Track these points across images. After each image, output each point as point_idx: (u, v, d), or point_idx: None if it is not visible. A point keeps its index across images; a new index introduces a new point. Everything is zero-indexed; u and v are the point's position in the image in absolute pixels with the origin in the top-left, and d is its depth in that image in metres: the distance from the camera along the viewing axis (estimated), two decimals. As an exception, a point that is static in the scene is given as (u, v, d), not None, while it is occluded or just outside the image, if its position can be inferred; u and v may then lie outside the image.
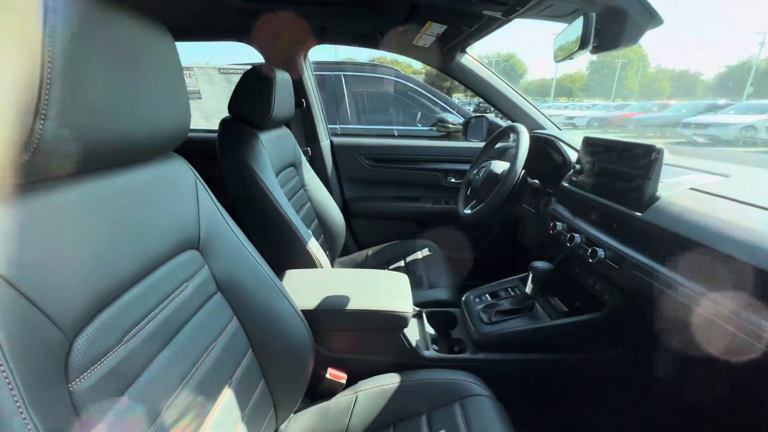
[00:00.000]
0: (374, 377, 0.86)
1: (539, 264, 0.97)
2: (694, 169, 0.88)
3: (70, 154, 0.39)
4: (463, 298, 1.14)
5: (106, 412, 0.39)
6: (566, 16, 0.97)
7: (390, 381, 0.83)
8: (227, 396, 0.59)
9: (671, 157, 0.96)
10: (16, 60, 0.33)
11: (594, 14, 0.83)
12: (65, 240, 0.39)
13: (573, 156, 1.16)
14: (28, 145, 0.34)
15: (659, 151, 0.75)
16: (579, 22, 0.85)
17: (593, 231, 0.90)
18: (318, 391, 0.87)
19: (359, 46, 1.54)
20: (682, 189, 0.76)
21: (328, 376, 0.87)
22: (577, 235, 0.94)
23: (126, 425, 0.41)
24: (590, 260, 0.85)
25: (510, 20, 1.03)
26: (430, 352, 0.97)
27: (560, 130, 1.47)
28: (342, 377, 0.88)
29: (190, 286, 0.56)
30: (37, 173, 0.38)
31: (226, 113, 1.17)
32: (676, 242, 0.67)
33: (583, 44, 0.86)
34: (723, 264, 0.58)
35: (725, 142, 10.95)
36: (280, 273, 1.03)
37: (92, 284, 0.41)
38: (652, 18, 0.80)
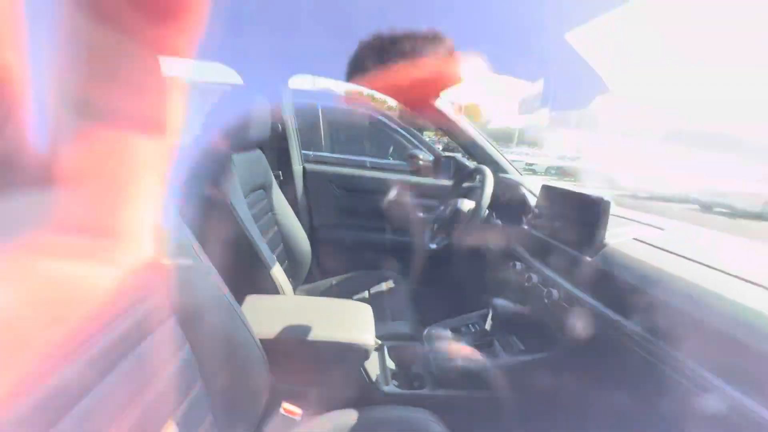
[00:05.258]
0: (330, 413, 0.83)
1: (499, 301, 1.00)
2: (635, 220, 0.97)
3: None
4: (425, 333, 1.15)
5: None
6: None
7: (346, 418, 0.80)
8: (169, 431, 0.54)
9: (616, 209, 1.06)
10: None
11: (550, 78, 0.93)
12: None
13: (533, 201, 1.25)
14: None
15: (607, 203, 0.83)
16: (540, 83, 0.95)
17: (549, 272, 0.95)
18: (270, 428, 0.82)
19: (334, 79, 1.60)
20: (627, 239, 0.84)
21: (281, 411, 0.83)
22: (534, 275, 0.99)
23: None
24: (545, 300, 0.90)
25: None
26: (390, 388, 0.95)
27: (521, 175, 1.58)
28: (296, 414, 0.84)
29: (142, 308, 0.53)
30: None
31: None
32: (620, 286, 0.73)
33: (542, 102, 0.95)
34: (659, 308, 0.64)
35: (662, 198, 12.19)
36: (240, 298, 0.98)
37: None
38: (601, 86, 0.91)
